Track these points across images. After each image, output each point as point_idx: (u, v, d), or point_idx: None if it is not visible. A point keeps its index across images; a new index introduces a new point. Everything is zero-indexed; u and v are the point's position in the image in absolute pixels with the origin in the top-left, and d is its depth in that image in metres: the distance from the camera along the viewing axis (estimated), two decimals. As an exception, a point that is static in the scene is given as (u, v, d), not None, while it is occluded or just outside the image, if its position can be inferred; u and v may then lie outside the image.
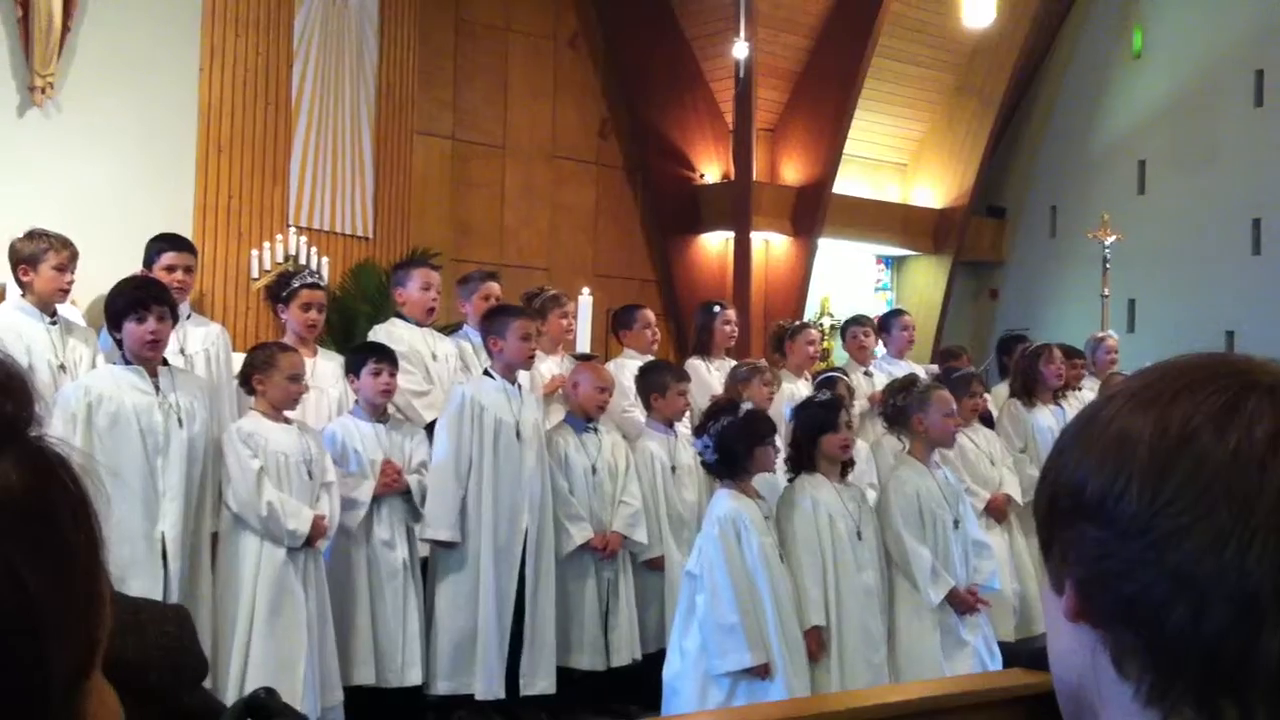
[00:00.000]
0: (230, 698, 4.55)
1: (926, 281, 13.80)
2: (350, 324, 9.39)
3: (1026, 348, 7.72)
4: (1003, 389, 8.01)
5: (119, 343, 4.84)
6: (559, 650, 5.77)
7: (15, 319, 5.27)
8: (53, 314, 5.38)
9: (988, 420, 7.31)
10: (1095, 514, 0.87)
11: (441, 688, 5.66)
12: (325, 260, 9.87)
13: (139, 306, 4.69)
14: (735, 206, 12.37)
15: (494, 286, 6.63)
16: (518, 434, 5.73)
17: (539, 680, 5.63)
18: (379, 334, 6.22)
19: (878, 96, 12.78)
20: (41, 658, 0.74)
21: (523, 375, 5.98)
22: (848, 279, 13.62)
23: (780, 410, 6.32)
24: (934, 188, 13.64)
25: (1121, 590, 0.86)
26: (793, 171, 12.72)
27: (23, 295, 5.36)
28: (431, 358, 6.29)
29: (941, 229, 13.59)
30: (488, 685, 5.62)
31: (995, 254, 14.32)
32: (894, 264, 14.17)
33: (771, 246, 12.68)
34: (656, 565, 6.05)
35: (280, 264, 9.44)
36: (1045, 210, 14.01)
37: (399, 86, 10.70)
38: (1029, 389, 7.44)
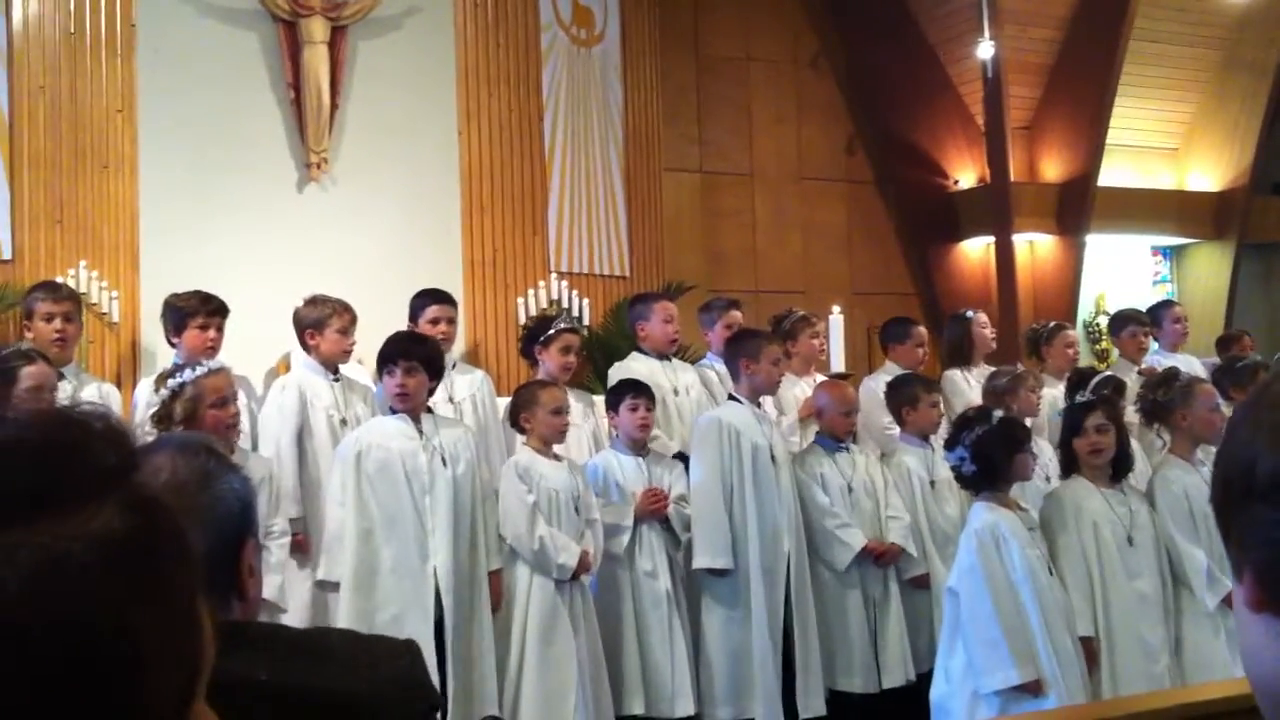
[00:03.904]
0: (505, 728, 4.75)
1: (1209, 269, 13.02)
2: (614, 361, 9.65)
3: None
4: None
5: None
6: (831, 673, 5.75)
7: (303, 375, 5.75)
8: (335, 372, 5.81)
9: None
10: (1269, 495, 0.84)
11: (720, 715, 5.71)
12: (586, 302, 10.19)
13: (388, 361, 5.06)
14: (994, 210, 12.04)
15: (736, 315, 6.72)
16: (772, 457, 5.77)
17: (811, 702, 5.64)
18: (617, 370, 6.40)
19: (1138, 81, 12.19)
20: (147, 690, 0.82)
21: (767, 400, 6.03)
22: (1123, 274, 13.00)
23: (1045, 417, 6.13)
24: (1209, 170, 12.88)
25: None
26: (1053, 168, 12.28)
27: (309, 355, 5.82)
28: (673, 392, 6.40)
29: (1222, 213, 12.81)
30: (770, 711, 5.64)
31: (1285, 233, 13.40)
32: (1172, 254, 13.45)
33: (1036, 247, 12.26)
34: (921, 583, 5.95)
35: (545, 309, 9.79)
36: (1338, 182, 13.02)
37: (645, 126, 10.95)
38: (1323, 376, 6.91)
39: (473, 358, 8.93)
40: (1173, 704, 3.03)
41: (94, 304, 8.25)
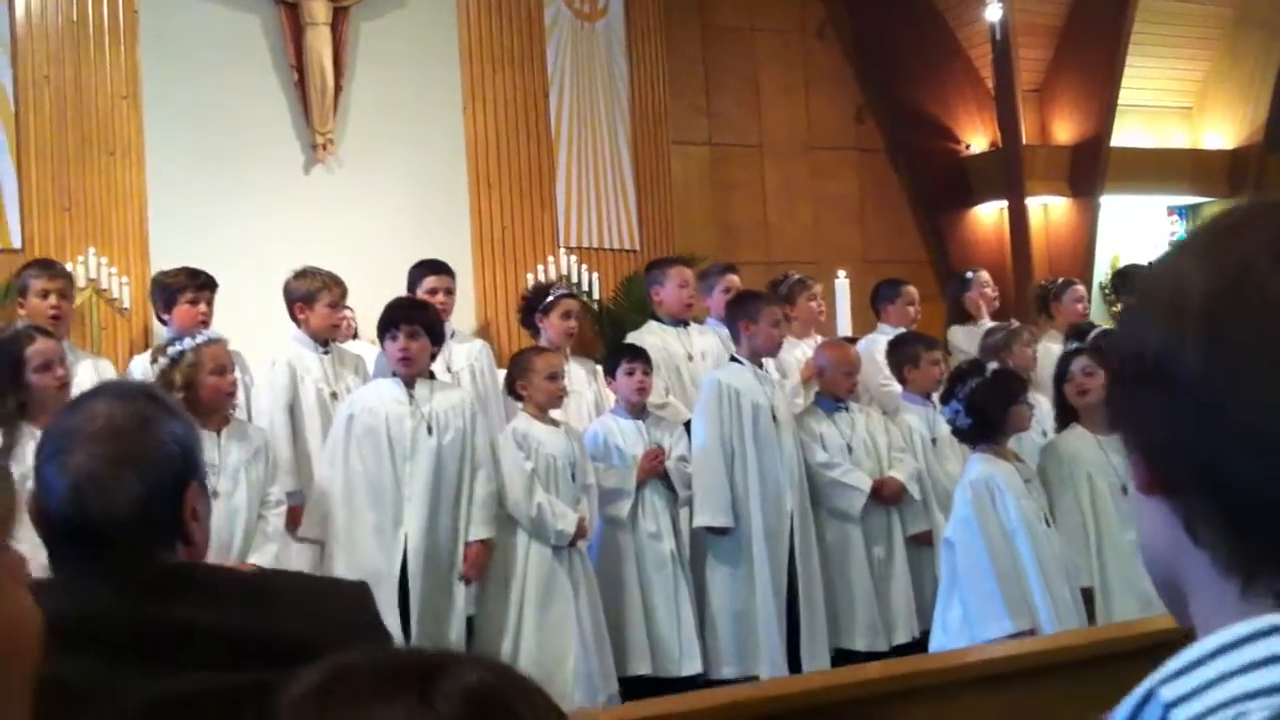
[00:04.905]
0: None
1: (1226, 228, 12.90)
2: (623, 334, 9.65)
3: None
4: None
5: None
6: (837, 632, 5.77)
7: (295, 349, 5.78)
8: (326, 345, 5.84)
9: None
10: (1155, 377, 0.83)
11: (725, 673, 5.75)
12: (595, 276, 10.19)
13: (391, 326, 5.10)
14: (1007, 174, 11.96)
15: (734, 278, 6.73)
16: (774, 417, 5.78)
17: (816, 660, 5.66)
18: (631, 339, 6.42)
19: (1150, 40, 12.07)
20: None
21: (769, 361, 6.03)
22: (1139, 235, 12.89)
23: (1046, 371, 6.11)
24: (1224, 129, 12.75)
25: (1187, 454, 0.82)
26: (1065, 130, 12.19)
27: (299, 329, 5.85)
28: (688, 358, 6.41)
29: (1237, 171, 12.67)
30: (774, 669, 5.67)
31: (1303, 191, 13.25)
32: (1188, 214, 13.33)
33: (1050, 210, 12.20)
34: (924, 540, 5.95)
35: (553, 282, 9.79)
36: (1353, 139, 12.84)
37: (652, 100, 10.92)
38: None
39: (483, 334, 8.94)
40: (1153, 630, 3.02)
41: (104, 290, 8.31)
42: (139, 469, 1.85)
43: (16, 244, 8.29)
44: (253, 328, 6.73)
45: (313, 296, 5.76)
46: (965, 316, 7.30)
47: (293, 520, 5.24)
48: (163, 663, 1.77)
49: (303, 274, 5.85)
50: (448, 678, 0.94)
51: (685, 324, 6.65)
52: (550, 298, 6.21)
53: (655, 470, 5.70)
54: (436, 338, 5.25)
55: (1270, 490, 0.78)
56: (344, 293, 5.89)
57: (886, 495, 5.83)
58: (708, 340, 6.59)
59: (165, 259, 8.28)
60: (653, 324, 6.57)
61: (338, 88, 9.37)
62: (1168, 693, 0.80)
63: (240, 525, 4.76)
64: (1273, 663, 0.76)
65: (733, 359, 5.98)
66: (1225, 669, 0.78)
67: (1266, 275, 0.78)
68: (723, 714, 2.37)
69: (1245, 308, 0.78)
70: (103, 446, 1.84)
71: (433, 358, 5.27)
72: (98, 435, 1.85)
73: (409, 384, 5.18)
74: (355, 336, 7.40)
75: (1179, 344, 0.81)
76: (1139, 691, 0.83)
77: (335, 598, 2.04)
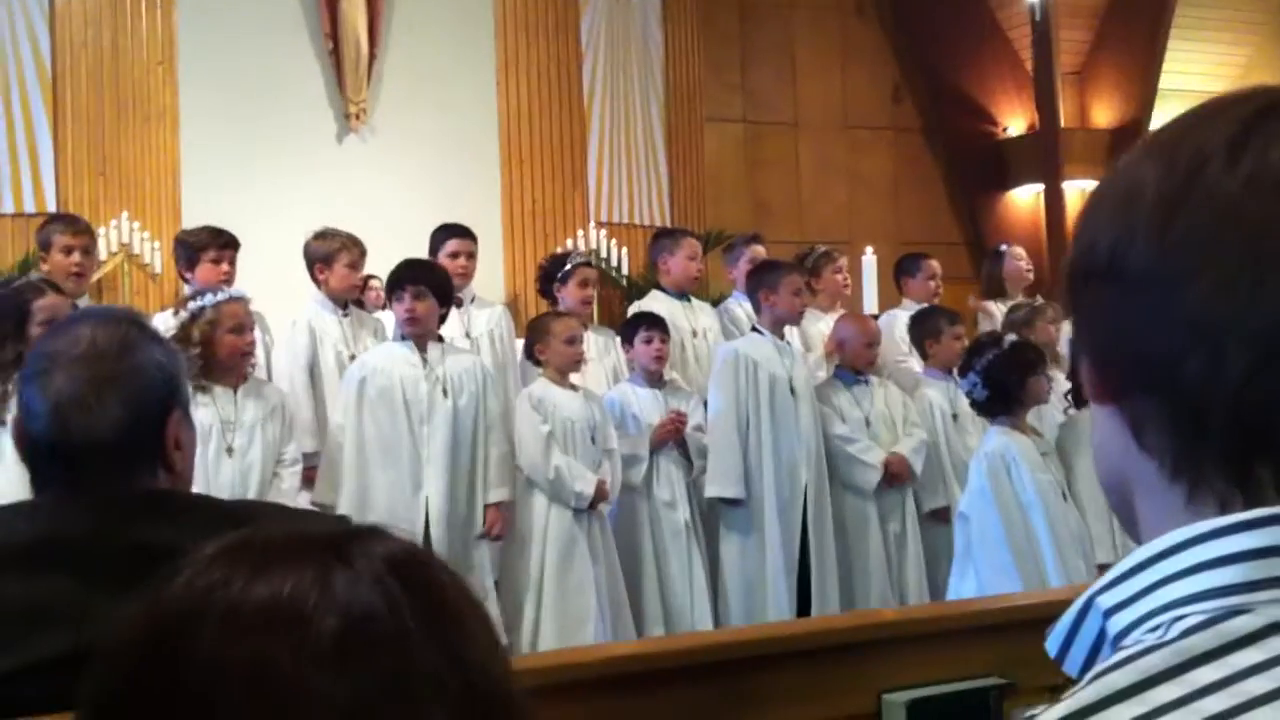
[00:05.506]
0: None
1: (1268, 216, 12.71)
2: (653, 311, 9.64)
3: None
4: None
5: None
6: (850, 602, 5.76)
7: (314, 311, 5.80)
8: (345, 307, 5.86)
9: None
10: (1106, 274, 0.81)
11: (737, 642, 5.75)
12: (625, 251, 10.17)
13: (397, 286, 5.09)
14: (1044, 157, 11.84)
15: (759, 249, 6.70)
16: (791, 389, 5.76)
17: (827, 630, 5.65)
18: (636, 308, 6.41)
19: (1192, 24, 11.90)
20: None
21: (792, 332, 6.01)
22: (1179, 222, 12.74)
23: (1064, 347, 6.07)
24: (1267, 114, 12.57)
25: (1134, 352, 0.80)
26: (1104, 114, 12.05)
27: (319, 290, 5.87)
28: (691, 334, 6.38)
29: (1279, 158, 12.49)
30: (785, 638, 5.67)
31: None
32: (1229, 201, 13.16)
33: (1088, 195, 12.06)
34: (942, 517, 5.92)
35: (573, 253, 9.77)
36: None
37: (686, 76, 10.88)
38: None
39: (511, 307, 8.95)
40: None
41: (136, 255, 8.38)
42: (121, 393, 1.85)
43: (51, 207, 8.37)
44: (283, 295, 6.76)
45: (332, 257, 5.77)
46: (1001, 293, 7.26)
47: (311, 481, 5.25)
48: (138, 585, 1.77)
49: (322, 234, 5.86)
50: (369, 543, 0.94)
51: (688, 298, 6.64)
52: (568, 266, 6.19)
53: (676, 434, 5.69)
54: (445, 299, 5.23)
55: (1218, 387, 0.76)
56: (363, 253, 5.89)
57: (892, 474, 5.79)
58: (708, 319, 6.58)
59: (198, 224, 8.33)
60: (658, 293, 6.55)
61: (372, 56, 9.39)
62: (1106, 600, 0.79)
63: (254, 482, 4.79)
64: (1212, 566, 0.75)
65: (754, 329, 5.96)
66: (1164, 574, 0.77)
67: (1219, 176, 0.77)
68: (724, 652, 2.35)
69: (1197, 208, 0.77)
70: (85, 369, 1.84)
71: (443, 319, 5.26)
72: (80, 358, 1.85)
73: (420, 346, 5.18)
74: (384, 306, 7.42)
75: (1130, 237, 0.80)
76: (1080, 601, 0.82)
77: (315, 526, 2.04)
